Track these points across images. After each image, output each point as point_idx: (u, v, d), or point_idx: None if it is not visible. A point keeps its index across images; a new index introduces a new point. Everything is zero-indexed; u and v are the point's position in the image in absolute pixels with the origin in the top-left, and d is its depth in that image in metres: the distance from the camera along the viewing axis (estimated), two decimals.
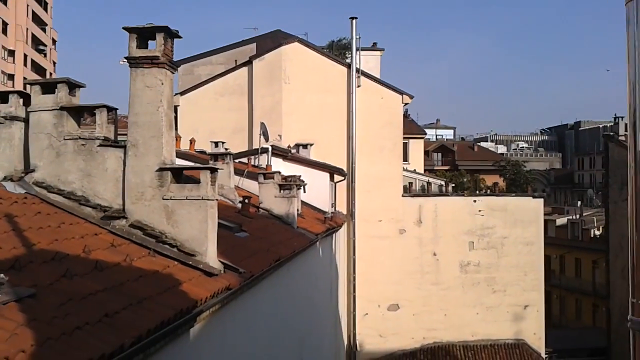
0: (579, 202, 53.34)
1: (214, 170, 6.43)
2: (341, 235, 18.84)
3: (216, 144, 17.62)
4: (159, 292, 5.03)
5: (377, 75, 24.06)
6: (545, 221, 27.59)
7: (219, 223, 6.69)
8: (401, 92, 21.80)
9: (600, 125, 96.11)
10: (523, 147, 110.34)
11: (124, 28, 6.28)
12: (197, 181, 6.34)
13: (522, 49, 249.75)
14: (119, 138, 6.93)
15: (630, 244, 1.97)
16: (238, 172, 14.01)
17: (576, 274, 41.69)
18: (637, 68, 2.01)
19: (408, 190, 26.76)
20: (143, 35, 6.31)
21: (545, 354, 21.92)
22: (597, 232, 39.78)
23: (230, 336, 6.67)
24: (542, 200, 23.53)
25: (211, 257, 6.25)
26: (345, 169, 20.40)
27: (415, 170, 34.21)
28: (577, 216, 44.39)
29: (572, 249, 41.79)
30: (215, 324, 5.85)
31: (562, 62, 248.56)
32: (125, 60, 6.40)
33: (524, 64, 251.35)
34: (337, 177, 19.78)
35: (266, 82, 21.09)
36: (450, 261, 21.31)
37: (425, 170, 39.71)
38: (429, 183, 33.46)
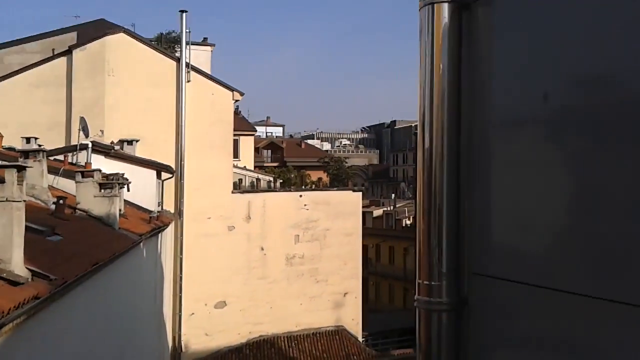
0: (393, 195, 58.00)
1: (21, 169, 5.98)
2: (168, 234, 18.41)
3: (28, 140, 16.12)
4: None
5: (208, 71, 23.86)
6: (364, 213, 29.64)
7: (27, 226, 6.24)
8: (232, 89, 21.83)
9: (413, 124, 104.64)
10: (346, 144, 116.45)
11: None
12: (1, 181, 5.87)
13: (347, 51, 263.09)
14: None
15: (417, 231, 2.27)
16: (53, 170, 13.05)
17: (390, 261, 45.53)
18: (426, 72, 2.26)
19: (238, 187, 26.95)
20: None
21: (362, 337, 23.63)
22: (408, 222, 43.82)
23: (39, 349, 6.25)
24: (360, 193, 25.29)
25: (17, 264, 5.80)
26: (173, 166, 19.95)
27: (245, 166, 34.52)
28: (391, 208, 48.53)
29: (386, 238, 45.58)
30: (20, 337, 5.46)
31: (382, 64, 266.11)
32: None
33: (349, 65, 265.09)
34: (164, 175, 19.27)
35: (88, 74, 19.83)
36: (277, 255, 21.90)
37: (255, 166, 40.25)
38: (258, 179, 34.00)
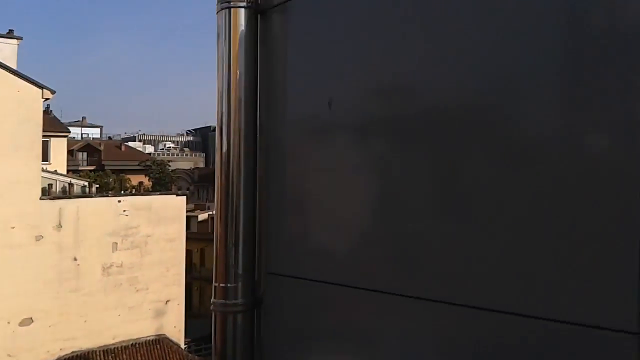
0: None
1: None
2: None
3: None
4: None
5: (14, 66, 21.84)
6: (189, 217, 29.07)
7: None
8: (41, 86, 20.23)
9: None
10: (170, 147, 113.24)
11: None
12: None
13: (171, 50, 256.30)
14: None
15: (215, 234, 2.25)
16: None
17: None
18: (224, 77, 2.22)
19: (47, 193, 24.99)
20: None
21: (185, 344, 23.21)
22: None
23: None
24: (184, 197, 24.89)
25: None
26: None
27: (56, 170, 32.26)
28: None
29: (211, 241, 44.64)
30: None
31: (206, 65, 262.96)
32: None
33: (172, 66, 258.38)
34: None
35: None
36: (92, 265, 20.68)
37: (68, 170, 37.77)
38: (70, 184, 31.72)
